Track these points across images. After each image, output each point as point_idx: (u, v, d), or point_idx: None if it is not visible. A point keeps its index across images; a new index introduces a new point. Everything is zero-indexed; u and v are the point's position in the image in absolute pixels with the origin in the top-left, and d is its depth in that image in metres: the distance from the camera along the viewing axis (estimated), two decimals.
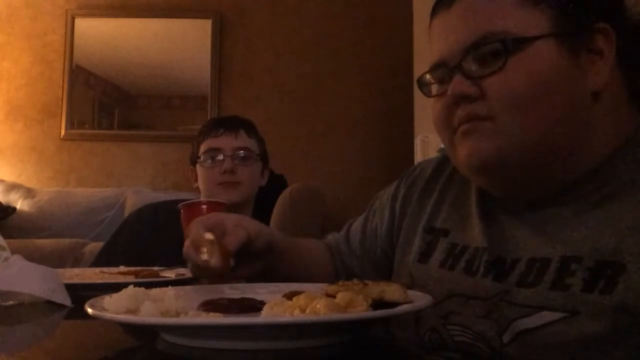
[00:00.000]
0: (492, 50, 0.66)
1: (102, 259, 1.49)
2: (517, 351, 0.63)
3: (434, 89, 0.75)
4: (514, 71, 0.65)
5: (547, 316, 0.62)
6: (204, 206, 1.31)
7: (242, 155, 1.52)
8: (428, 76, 0.75)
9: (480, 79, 0.67)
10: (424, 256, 0.81)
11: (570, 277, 0.62)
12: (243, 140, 1.54)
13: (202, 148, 1.54)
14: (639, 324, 0.57)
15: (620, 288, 0.58)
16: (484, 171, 0.70)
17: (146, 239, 1.49)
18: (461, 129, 0.69)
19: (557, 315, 0.61)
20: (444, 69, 0.71)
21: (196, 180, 1.58)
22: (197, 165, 1.55)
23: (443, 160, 0.88)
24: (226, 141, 1.52)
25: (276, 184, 2.58)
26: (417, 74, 2.87)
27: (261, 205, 1.72)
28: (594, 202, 0.65)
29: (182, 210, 1.31)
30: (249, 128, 1.58)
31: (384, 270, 0.92)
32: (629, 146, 0.67)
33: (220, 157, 1.51)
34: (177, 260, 1.26)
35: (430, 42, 0.75)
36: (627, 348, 0.58)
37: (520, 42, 0.65)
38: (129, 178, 3.61)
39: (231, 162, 1.50)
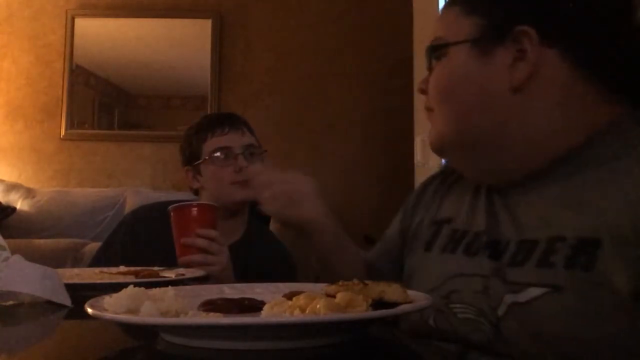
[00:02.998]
0: (433, 51, 0.80)
1: (98, 261, 1.48)
2: (512, 324, 0.68)
3: None
4: (437, 71, 0.80)
5: (533, 292, 0.66)
6: (195, 209, 1.29)
7: (251, 152, 1.51)
8: None
9: (429, 76, 0.83)
10: (429, 244, 0.87)
11: (554, 255, 0.66)
12: (248, 137, 1.53)
13: (208, 147, 1.51)
14: (618, 300, 0.60)
15: (599, 264, 0.62)
16: (440, 152, 0.84)
17: (141, 240, 1.48)
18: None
19: (542, 290, 0.65)
20: None
21: (197, 181, 1.55)
22: (202, 165, 1.52)
23: (445, 171, 0.97)
24: (234, 139, 1.50)
25: None
26: (417, 74, 2.87)
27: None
28: (573, 185, 0.70)
29: (172, 213, 1.29)
30: (248, 124, 1.58)
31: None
32: (606, 132, 0.71)
33: (233, 155, 1.49)
34: (173, 261, 1.27)
35: None
36: (607, 325, 0.61)
37: (442, 47, 0.79)
38: (129, 178, 3.61)
39: (244, 160, 1.48)
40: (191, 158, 1.56)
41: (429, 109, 0.83)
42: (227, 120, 1.55)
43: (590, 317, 0.61)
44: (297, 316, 0.51)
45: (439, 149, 0.83)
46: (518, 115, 0.74)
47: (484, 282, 0.73)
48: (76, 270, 1.17)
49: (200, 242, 1.25)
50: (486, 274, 0.73)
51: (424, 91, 0.84)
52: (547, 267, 0.66)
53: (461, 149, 0.81)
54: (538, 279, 0.66)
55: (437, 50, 0.79)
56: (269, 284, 0.75)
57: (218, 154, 1.50)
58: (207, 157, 1.51)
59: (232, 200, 1.48)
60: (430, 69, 0.82)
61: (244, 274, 1.36)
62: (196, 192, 1.59)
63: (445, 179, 0.95)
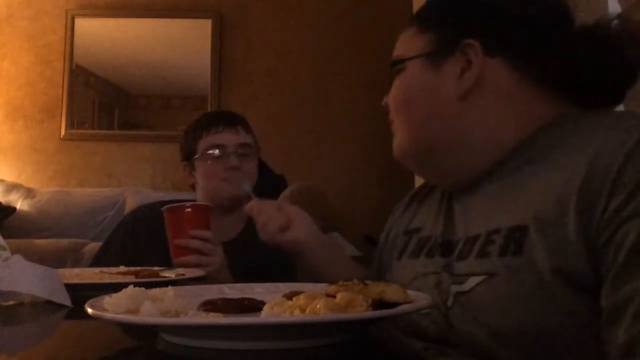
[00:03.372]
0: (390, 68, 0.88)
1: (99, 261, 1.48)
2: (458, 312, 0.74)
3: None
4: (395, 85, 0.87)
5: (473, 280, 0.72)
6: (188, 210, 1.29)
7: (244, 151, 1.52)
8: None
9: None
10: (401, 254, 0.93)
11: (491, 246, 0.72)
12: (243, 136, 1.54)
13: (203, 144, 1.53)
14: (544, 281, 0.64)
15: (526, 249, 0.67)
16: (401, 160, 0.90)
17: (142, 240, 1.48)
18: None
19: (480, 278, 0.71)
20: None
21: (192, 177, 1.57)
22: (197, 162, 1.54)
23: (425, 184, 1.02)
24: (228, 137, 1.52)
25: (276, 184, 2.57)
26: None
27: None
28: (510, 181, 0.76)
29: (165, 214, 1.29)
30: (245, 123, 1.59)
31: None
32: (539, 132, 0.77)
33: (225, 153, 1.50)
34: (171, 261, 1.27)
35: None
36: (537, 306, 0.65)
37: (399, 63, 0.86)
38: (129, 178, 3.61)
39: (236, 159, 1.50)
40: (188, 154, 1.58)
41: (391, 122, 0.90)
42: (223, 119, 1.57)
43: (521, 299, 0.66)
44: (297, 316, 0.51)
45: (400, 158, 0.90)
46: (466, 120, 0.81)
47: (436, 278, 0.79)
48: (76, 270, 1.17)
49: (194, 243, 1.26)
50: (438, 271, 0.80)
51: (387, 105, 0.90)
52: (485, 257, 0.72)
53: (418, 157, 0.87)
54: (477, 268, 0.72)
55: (395, 66, 0.87)
56: (269, 284, 0.75)
57: (211, 151, 1.51)
58: (200, 154, 1.53)
59: (221, 197, 1.50)
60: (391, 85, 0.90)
61: (244, 270, 1.36)
62: (194, 187, 1.61)
63: (411, 199, 1.02)
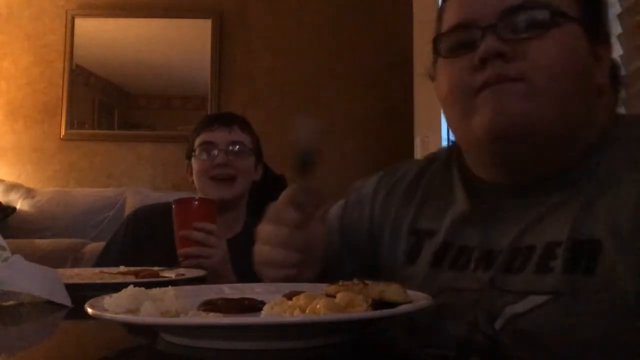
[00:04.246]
0: (535, 16, 0.69)
1: (102, 260, 1.49)
2: (510, 336, 0.65)
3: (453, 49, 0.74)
4: (555, 41, 0.68)
5: (534, 300, 0.64)
6: (195, 203, 1.35)
7: (235, 149, 1.53)
8: (449, 36, 0.75)
9: (518, 42, 0.69)
10: (411, 258, 0.81)
11: (553, 260, 0.64)
12: (237, 134, 1.55)
13: (197, 142, 1.55)
14: (622, 302, 0.59)
15: (600, 267, 0.61)
16: (506, 134, 0.69)
17: (142, 240, 1.49)
18: (491, 88, 0.69)
19: (543, 298, 0.63)
20: (472, 30, 0.71)
21: (191, 175, 1.59)
22: (192, 160, 1.57)
23: (426, 163, 0.89)
24: (220, 135, 1.53)
25: (276, 184, 2.57)
26: (417, 73, 2.87)
27: (261, 205, 1.72)
28: (572, 190, 0.68)
29: (173, 206, 1.33)
30: (243, 124, 1.59)
31: (363, 263, 0.90)
32: (610, 135, 0.71)
33: (215, 151, 1.51)
34: (174, 261, 1.28)
35: (452, 3, 0.77)
36: (609, 328, 0.60)
37: (563, 17, 0.69)
38: (129, 178, 3.61)
39: (224, 156, 1.51)
40: (188, 153, 1.61)
41: (513, 78, 0.68)
42: (220, 119, 1.60)
43: (593, 321, 0.61)
44: (297, 316, 0.51)
45: (519, 129, 0.69)
46: (588, 112, 0.72)
47: (477, 295, 0.70)
48: (76, 270, 1.17)
49: (197, 235, 1.28)
50: (480, 287, 0.70)
51: (506, 57, 0.68)
52: (546, 272, 0.65)
53: (543, 133, 0.69)
54: (537, 286, 0.65)
55: (558, 17, 0.69)
56: (269, 284, 0.74)
57: (201, 148, 1.54)
58: (194, 152, 1.55)
59: (210, 195, 1.51)
60: (507, 34, 0.69)
61: (244, 268, 1.37)
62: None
63: (413, 183, 0.87)
